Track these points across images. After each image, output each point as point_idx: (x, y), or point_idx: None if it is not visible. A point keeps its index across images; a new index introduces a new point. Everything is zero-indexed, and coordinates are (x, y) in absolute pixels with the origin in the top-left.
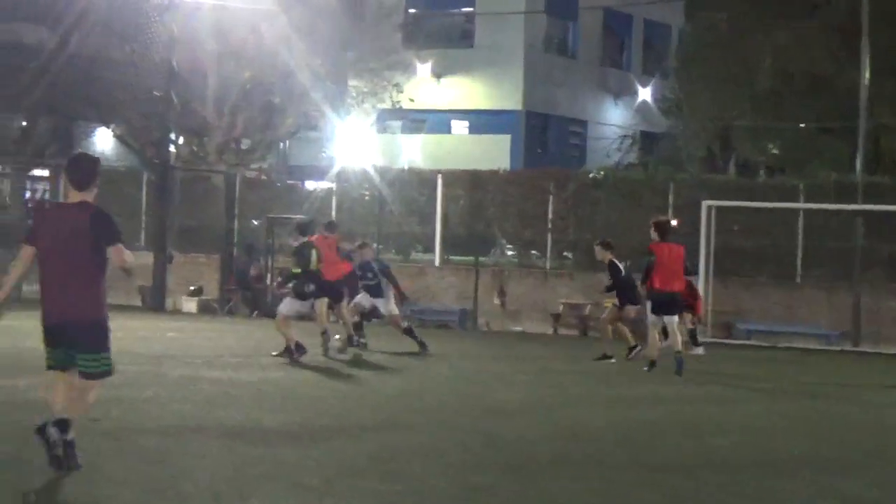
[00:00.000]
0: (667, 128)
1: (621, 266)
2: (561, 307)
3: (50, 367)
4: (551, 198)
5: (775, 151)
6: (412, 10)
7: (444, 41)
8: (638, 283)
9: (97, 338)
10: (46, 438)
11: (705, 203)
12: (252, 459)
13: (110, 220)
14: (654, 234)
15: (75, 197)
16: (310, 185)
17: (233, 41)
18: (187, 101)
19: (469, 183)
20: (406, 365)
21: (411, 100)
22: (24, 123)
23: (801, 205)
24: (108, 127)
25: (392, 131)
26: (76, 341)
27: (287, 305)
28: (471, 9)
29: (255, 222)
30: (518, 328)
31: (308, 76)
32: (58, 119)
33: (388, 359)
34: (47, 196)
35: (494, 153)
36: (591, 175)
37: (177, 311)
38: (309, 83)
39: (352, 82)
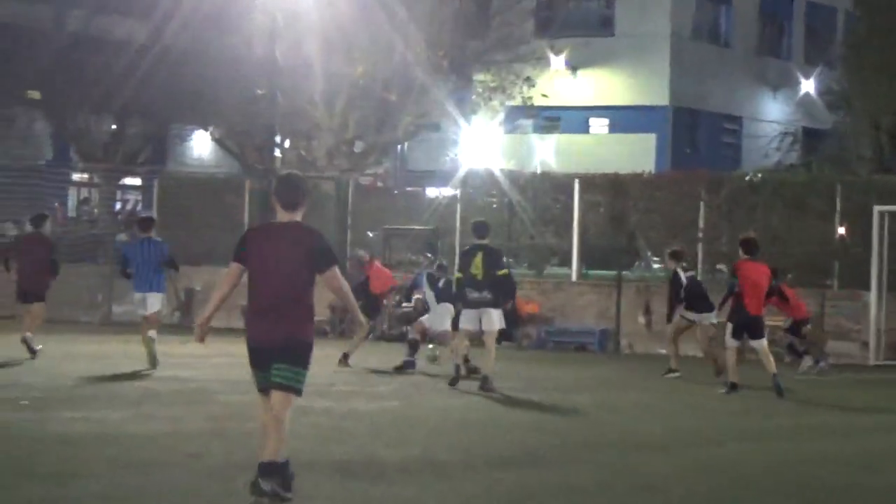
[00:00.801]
0: (833, 124)
1: (684, 277)
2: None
3: (260, 390)
4: (702, 204)
5: None
6: None
7: (580, 29)
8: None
9: (300, 356)
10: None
11: (878, 208)
12: (368, 498)
13: (327, 244)
14: (741, 253)
15: (284, 217)
16: (431, 191)
17: (343, 32)
18: (293, 100)
19: (610, 188)
20: (538, 393)
21: (544, 95)
22: (114, 127)
23: None
24: (205, 130)
25: (523, 131)
26: (280, 359)
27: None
28: None
29: (371, 234)
30: (665, 351)
31: (428, 70)
32: (150, 122)
33: (515, 385)
34: (139, 207)
35: (638, 154)
36: (747, 177)
37: None
38: (429, 78)
39: (477, 76)
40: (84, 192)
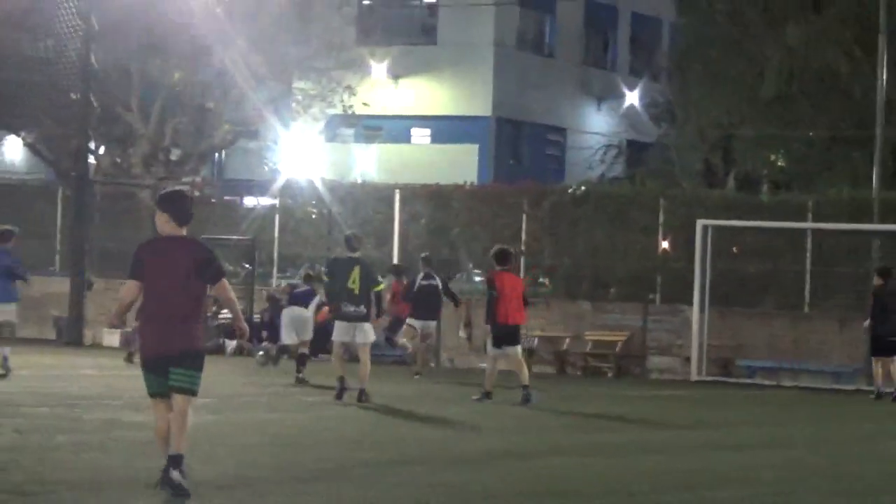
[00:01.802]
0: (657, 136)
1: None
2: (535, 341)
3: (154, 394)
4: (525, 216)
5: (782, 164)
6: (366, 2)
7: (403, 37)
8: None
9: (195, 361)
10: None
11: (701, 222)
12: None
13: (216, 257)
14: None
15: (174, 231)
16: (249, 201)
17: (160, 36)
18: (109, 106)
19: (431, 199)
20: (361, 407)
21: (365, 104)
22: None
23: (810, 224)
24: (17, 135)
25: (343, 140)
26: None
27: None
28: (433, 0)
29: None
30: (484, 365)
31: (247, 76)
32: None
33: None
34: None
35: (460, 165)
36: (570, 190)
37: (97, 345)
38: (248, 85)
39: (297, 84)
40: None
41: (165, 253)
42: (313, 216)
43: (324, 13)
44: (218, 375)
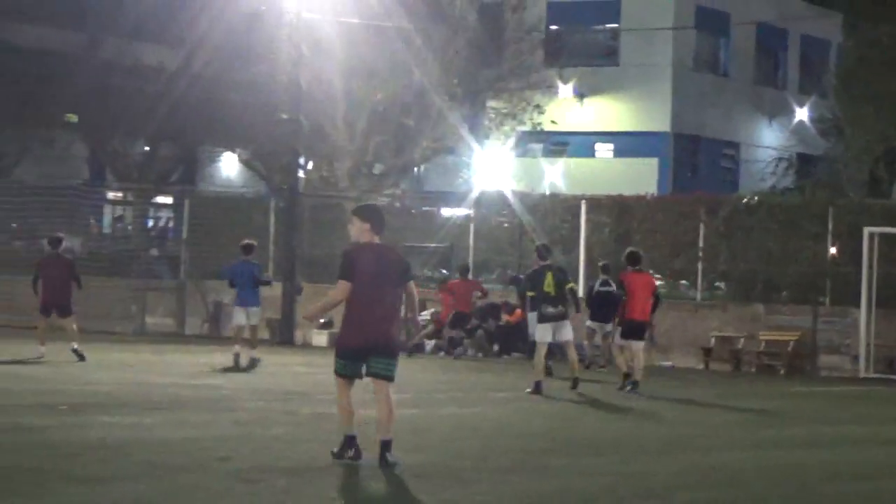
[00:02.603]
0: (825, 150)
1: None
2: (712, 340)
3: (348, 376)
4: (702, 224)
5: None
6: (554, 27)
7: (587, 59)
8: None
9: (393, 351)
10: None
11: (868, 229)
12: (387, 500)
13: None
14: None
15: (374, 238)
16: (446, 211)
17: (364, 60)
18: (316, 124)
19: (614, 209)
20: (553, 402)
21: (553, 122)
22: (147, 149)
23: None
24: (233, 152)
25: (533, 155)
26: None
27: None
28: (616, 25)
29: None
30: (667, 363)
31: (444, 97)
32: (181, 144)
33: (523, 395)
34: (171, 225)
35: (641, 177)
36: (744, 200)
37: (307, 345)
38: (444, 104)
39: (490, 103)
40: (118, 210)
41: (371, 257)
42: (505, 225)
43: (514, 38)
44: (418, 372)
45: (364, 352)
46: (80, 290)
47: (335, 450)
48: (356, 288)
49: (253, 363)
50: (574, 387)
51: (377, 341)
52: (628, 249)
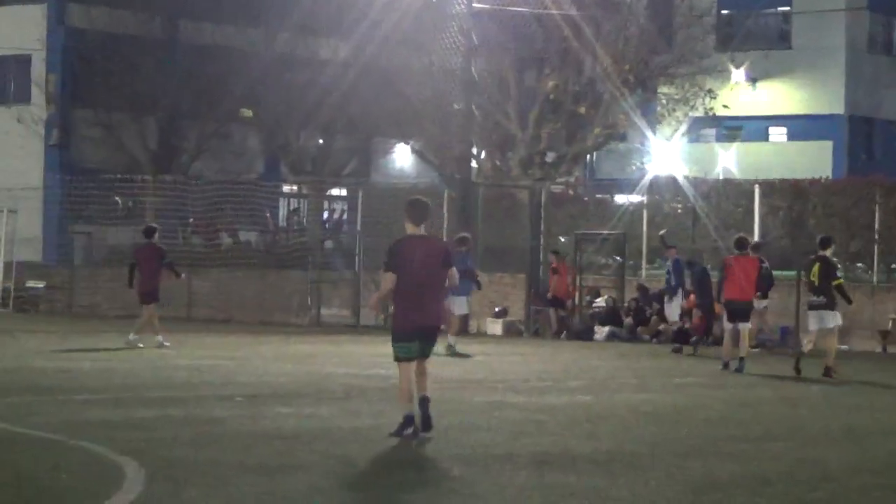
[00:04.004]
0: None
1: None
2: (890, 323)
3: (407, 359)
4: (877, 207)
5: None
6: (725, 11)
7: (759, 43)
8: None
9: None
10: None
11: None
12: (562, 488)
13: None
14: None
15: (415, 230)
16: (619, 198)
17: (535, 50)
18: (489, 114)
19: (789, 193)
20: (726, 387)
21: (725, 106)
22: (321, 141)
23: None
24: (406, 143)
25: (705, 140)
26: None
27: None
28: (787, 8)
29: (563, 239)
30: (843, 346)
31: (615, 84)
32: (354, 136)
33: (702, 382)
34: (345, 217)
35: (815, 161)
36: None
37: (481, 334)
38: (616, 91)
39: (662, 89)
40: (293, 203)
41: (412, 248)
42: (679, 211)
43: (685, 23)
44: (591, 360)
45: (416, 335)
46: (178, 277)
47: (392, 430)
48: (401, 277)
49: (450, 349)
50: (827, 374)
51: (425, 324)
52: (736, 235)
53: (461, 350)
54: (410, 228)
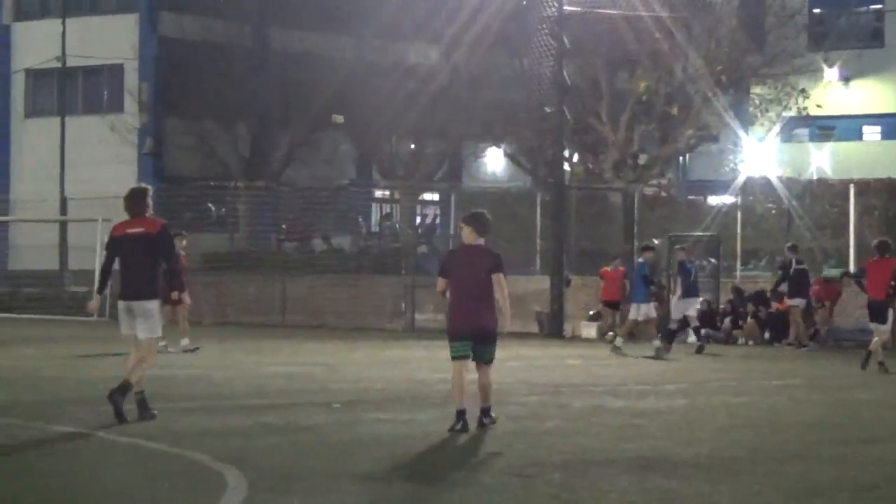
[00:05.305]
0: None
1: None
2: None
3: (457, 358)
4: None
5: None
6: (817, 10)
7: (852, 42)
8: None
9: (492, 338)
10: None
11: None
12: (664, 493)
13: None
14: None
15: (473, 241)
16: (712, 199)
17: (626, 52)
18: (581, 117)
19: (884, 192)
20: (825, 389)
21: (819, 106)
22: (412, 146)
23: None
24: (498, 147)
25: (799, 140)
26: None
27: None
28: (880, 6)
29: (656, 241)
30: None
31: (707, 85)
32: (445, 141)
33: (797, 383)
34: (438, 221)
35: None
36: None
37: (576, 338)
38: (708, 92)
39: (754, 90)
40: (386, 208)
41: (461, 256)
42: (773, 212)
43: (777, 23)
44: (688, 363)
45: (466, 336)
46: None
47: (449, 426)
48: (452, 283)
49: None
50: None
51: (473, 326)
52: (877, 239)
53: (623, 352)
54: (468, 238)
